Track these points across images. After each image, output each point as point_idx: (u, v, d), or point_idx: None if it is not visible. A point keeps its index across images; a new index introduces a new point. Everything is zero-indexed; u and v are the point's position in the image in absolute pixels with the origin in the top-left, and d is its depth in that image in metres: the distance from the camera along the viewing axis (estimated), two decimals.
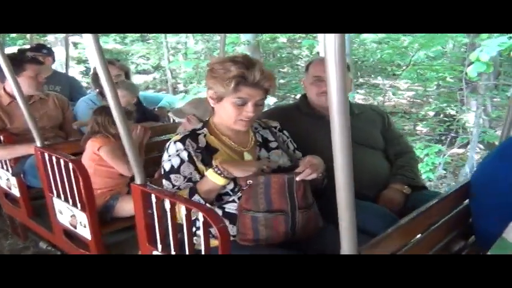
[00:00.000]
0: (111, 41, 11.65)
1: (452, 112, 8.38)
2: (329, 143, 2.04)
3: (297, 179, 1.62)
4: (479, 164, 1.92)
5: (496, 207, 1.63)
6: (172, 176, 1.71)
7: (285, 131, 1.99)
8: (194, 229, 1.73)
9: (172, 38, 12.79)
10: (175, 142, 1.74)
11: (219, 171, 1.60)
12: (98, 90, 3.19)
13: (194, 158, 1.71)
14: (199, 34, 11.66)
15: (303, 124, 2.14)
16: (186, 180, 1.70)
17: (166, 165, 1.73)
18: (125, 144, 1.71)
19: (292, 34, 9.00)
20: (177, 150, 1.72)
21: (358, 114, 2.25)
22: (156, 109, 3.64)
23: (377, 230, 1.66)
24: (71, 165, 2.21)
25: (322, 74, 2.14)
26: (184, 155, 1.71)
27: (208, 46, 12.20)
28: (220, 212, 1.70)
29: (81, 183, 2.18)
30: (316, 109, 2.21)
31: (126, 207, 2.41)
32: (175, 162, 1.71)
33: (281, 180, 1.61)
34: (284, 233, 1.60)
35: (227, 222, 1.66)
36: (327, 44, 0.91)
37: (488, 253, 1.44)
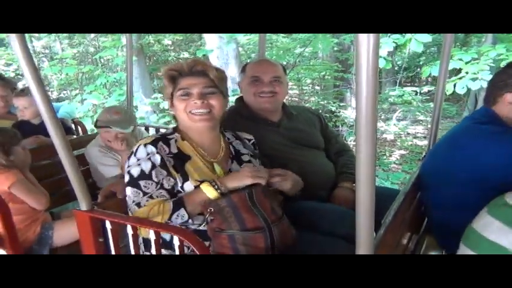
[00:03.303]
0: None
1: (333, 108, 8.94)
2: (282, 146, 2.03)
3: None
4: (427, 155, 2.02)
5: (451, 197, 1.71)
6: (142, 183, 1.54)
7: (257, 147, 1.92)
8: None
9: (37, 42, 11.67)
10: (145, 145, 1.59)
11: (215, 186, 1.54)
12: None
13: (167, 162, 1.58)
14: (67, 38, 10.84)
15: (249, 130, 1.99)
16: (158, 187, 1.55)
17: (135, 171, 1.56)
18: (66, 165, 1.45)
19: (177, 37, 8.80)
20: (147, 154, 1.58)
21: (296, 116, 2.22)
22: None
23: (347, 232, 1.65)
24: None
25: (260, 75, 2.08)
26: (157, 158, 1.58)
27: (80, 50, 11.39)
28: None
29: None
30: (257, 112, 2.13)
31: (65, 232, 2.10)
32: (146, 167, 1.56)
33: (242, 196, 1.54)
34: (264, 249, 1.50)
35: None
36: (359, 44, 0.84)
37: (461, 244, 1.49)
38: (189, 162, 1.62)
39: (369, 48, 0.81)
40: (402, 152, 9.04)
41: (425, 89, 9.69)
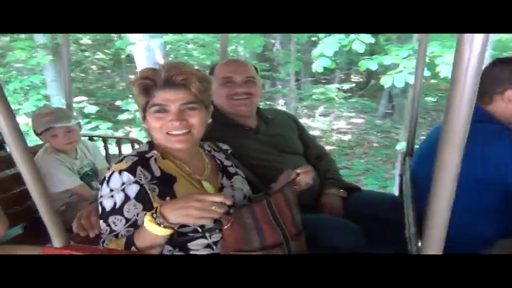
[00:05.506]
0: None
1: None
2: (262, 154, 1.87)
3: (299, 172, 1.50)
4: (416, 158, 1.96)
5: (467, 202, 1.67)
6: (111, 218, 1.30)
7: (235, 157, 1.71)
8: None
9: None
10: (120, 172, 1.32)
11: (156, 219, 1.18)
12: None
13: (149, 193, 1.31)
14: None
15: (226, 137, 1.80)
16: (128, 223, 1.30)
17: (108, 204, 1.31)
18: (34, 191, 1.18)
19: (97, 37, 8.21)
20: (122, 184, 1.30)
21: (272, 119, 2.09)
22: None
23: (346, 245, 1.57)
24: None
25: (232, 75, 1.91)
26: (132, 190, 1.30)
27: None
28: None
29: None
30: (231, 117, 1.96)
31: None
32: (119, 199, 1.30)
33: (262, 205, 1.37)
34: None
35: None
36: (462, 45, 0.73)
37: None
38: (176, 185, 1.38)
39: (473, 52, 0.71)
40: (329, 147, 9.27)
41: (346, 86, 9.99)
